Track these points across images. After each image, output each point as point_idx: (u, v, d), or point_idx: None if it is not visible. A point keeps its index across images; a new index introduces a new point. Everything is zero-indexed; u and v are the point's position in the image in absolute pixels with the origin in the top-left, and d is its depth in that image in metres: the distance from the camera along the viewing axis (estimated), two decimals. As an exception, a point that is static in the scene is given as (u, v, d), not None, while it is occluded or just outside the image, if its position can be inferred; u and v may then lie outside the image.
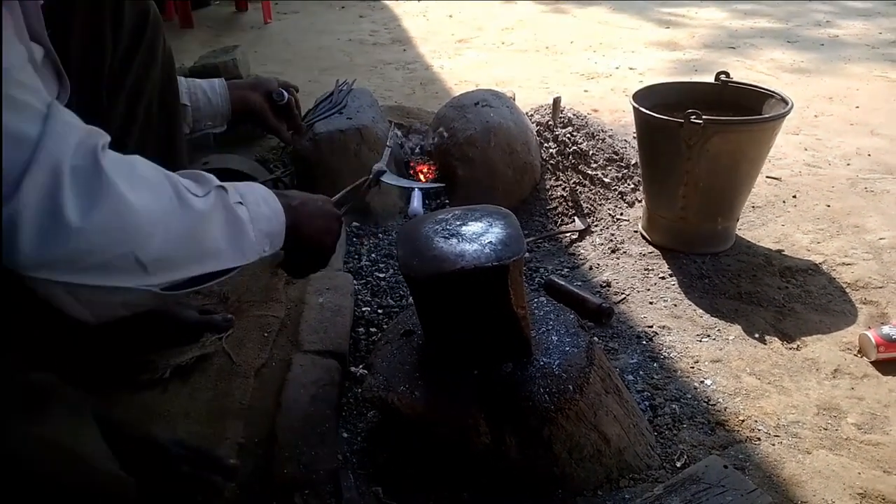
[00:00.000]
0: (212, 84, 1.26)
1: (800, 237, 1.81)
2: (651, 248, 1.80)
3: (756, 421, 1.24)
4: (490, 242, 1.03)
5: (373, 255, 1.86)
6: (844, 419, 1.24)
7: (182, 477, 0.97)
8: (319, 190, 2.10)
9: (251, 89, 1.30)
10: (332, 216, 1.04)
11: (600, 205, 2.04)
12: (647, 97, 1.74)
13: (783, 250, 1.76)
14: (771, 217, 1.92)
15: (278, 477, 1.05)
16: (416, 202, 2.10)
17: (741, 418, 1.25)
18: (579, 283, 1.73)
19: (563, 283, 1.66)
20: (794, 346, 1.45)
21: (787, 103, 1.64)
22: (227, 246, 0.79)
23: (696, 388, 1.33)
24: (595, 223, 2.01)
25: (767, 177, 2.10)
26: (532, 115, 2.36)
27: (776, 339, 1.46)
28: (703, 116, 1.55)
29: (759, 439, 1.20)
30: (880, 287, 1.60)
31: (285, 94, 1.33)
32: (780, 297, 1.58)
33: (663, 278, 1.68)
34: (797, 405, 1.28)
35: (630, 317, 1.57)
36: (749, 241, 1.80)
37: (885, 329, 1.39)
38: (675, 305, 1.58)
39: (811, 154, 2.31)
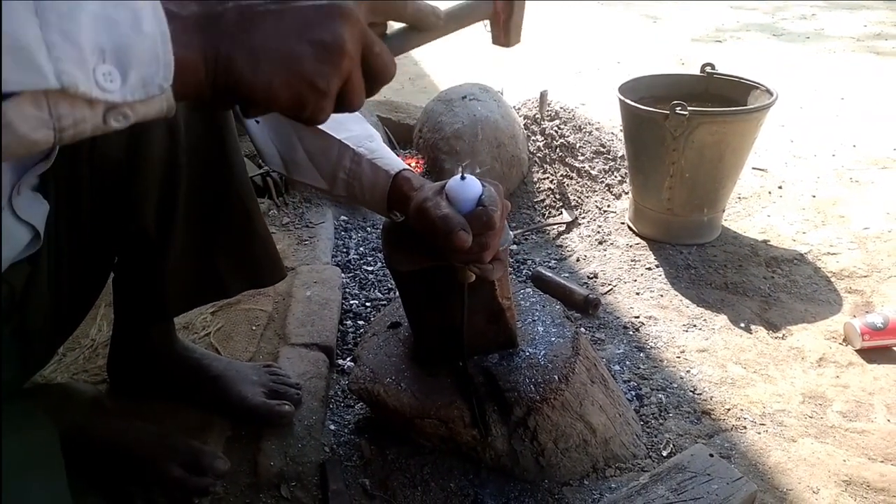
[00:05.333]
0: (374, 179, 0.92)
1: (785, 227, 1.82)
2: (638, 240, 1.80)
3: (742, 410, 1.25)
4: (476, 233, 1.02)
5: (361, 249, 1.86)
6: (830, 407, 1.25)
7: (173, 481, 0.96)
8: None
9: (420, 196, 0.87)
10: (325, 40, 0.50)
11: (587, 197, 2.05)
12: (634, 89, 1.74)
13: (769, 240, 1.76)
14: (757, 208, 1.93)
15: (265, 469, 1.05)
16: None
17: (727, 407, 1.26)
18: (566, 275, 1.73)
19: (550, 274, 1.66)
20: (780, 335, 1.46)
21: (772, 94, 1.65)
22: None
23: (682, 378, 1.34)
24: (582, 215, 2.01)
25: (753, 168, 2.11)
26: (519, 109, 2.36)
27: (762, 328, 1.47)
28: (689, 108, 1.55)
29: (744, 428, 1.21)
30: (865, 276, 1.61)
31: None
32: (765, 287, 1.59)
33: (650, 269, 1.69)
34: (783, 394, 1.29)
35: (617, 307, 1.58)
36: (735, 232, 1.81)
37: (870, 318, 1.40)
38: (662, 296, 1.59)
39: (797, 145, 2.32)
